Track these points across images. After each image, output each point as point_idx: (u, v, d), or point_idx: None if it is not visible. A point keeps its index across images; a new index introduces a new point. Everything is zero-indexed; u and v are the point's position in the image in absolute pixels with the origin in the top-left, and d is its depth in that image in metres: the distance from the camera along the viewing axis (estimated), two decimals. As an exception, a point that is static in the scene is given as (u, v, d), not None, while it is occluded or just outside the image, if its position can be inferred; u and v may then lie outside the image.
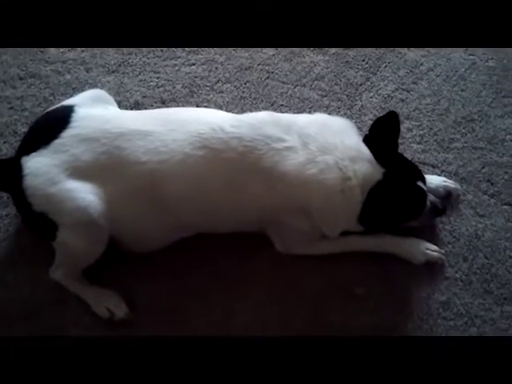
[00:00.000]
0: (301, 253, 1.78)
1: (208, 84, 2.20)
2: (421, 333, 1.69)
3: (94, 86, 2.13)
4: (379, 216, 1.69)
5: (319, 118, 1.79)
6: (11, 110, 2.07)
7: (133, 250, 1.71)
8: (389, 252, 1.78)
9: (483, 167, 2.00)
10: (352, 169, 1.63)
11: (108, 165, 1.60)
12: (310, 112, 2.09)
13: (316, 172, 1.62)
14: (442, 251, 1.79)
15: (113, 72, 2.20)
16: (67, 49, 2.24)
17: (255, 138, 1.64)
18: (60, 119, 1.68)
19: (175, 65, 2.24)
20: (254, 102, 2.16)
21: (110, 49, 2.26)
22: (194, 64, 2.25)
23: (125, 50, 2.26)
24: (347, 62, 2.28)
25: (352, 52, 2.31)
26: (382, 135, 1.70)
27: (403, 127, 1.99)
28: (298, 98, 2.17)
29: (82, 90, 1.98)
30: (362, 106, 2.15)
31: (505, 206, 1.91)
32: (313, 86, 2.21)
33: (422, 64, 2.28)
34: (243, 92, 2.18)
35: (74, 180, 1.58)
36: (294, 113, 2.08)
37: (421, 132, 2.08)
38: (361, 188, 1.64)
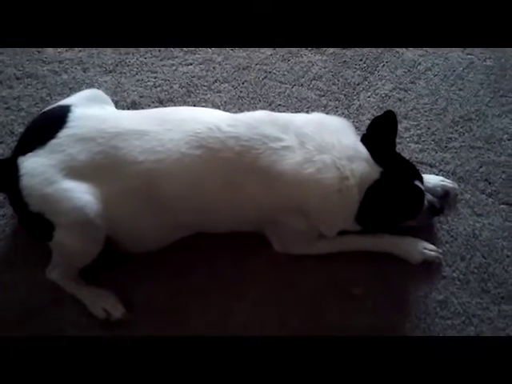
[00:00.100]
0: (298, 252, 1.78)
1: (205, 84, 2.19)
2: (418, 332, 1.69)
3: (91, 85, 2.13)
4: (377, 215, 1.69)
5: (316, 117, 1.79)
6: (8, 110, 2.07)
7: (130, 250, 1.70)
8: (386, 251, 1.78)
9: (481, 166, 2.00)
10: (349, 168, 1.63)
11: (104, 164, 1.60)
12: (307, 112, 2.08)
13: (313, 171, 1.61)
14: (440, 250, 1.79)
15: (110, 72, 2.20)
16: (64, 49, 2.24)
17: (252, 138, 1.63)
18: (56, 119, 1.68)
19: (172, 64, 2.24)
20: (252, 101, 2.16)
21: (107, 49, 2.26)
22: (191, 64, 2.25)
23: (122, 49, 2.26)
24: (345, 61, 2.28)
25: (350, 52, 2.31)
26: (379, 134, 1.70)
27: (401, 127, 1.99)
28: (296, 97, 2.17)
29: (79, 90, 1.97)
30: (359, 105, 2.15)
31: (502, 206, 1.91)
32: (311, 86, 2.21)
33: (419, 63, 2.28)
34: (241, 92, 2.18)
35: (70, 180, 1.57)
36: (292, 112, 2.07)
37: (418, 131, 2.08)
38: (358, 187, 1.63)
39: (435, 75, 2.25)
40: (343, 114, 2.11)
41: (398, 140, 1.77)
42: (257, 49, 2.30)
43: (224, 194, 1.64)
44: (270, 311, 1.71)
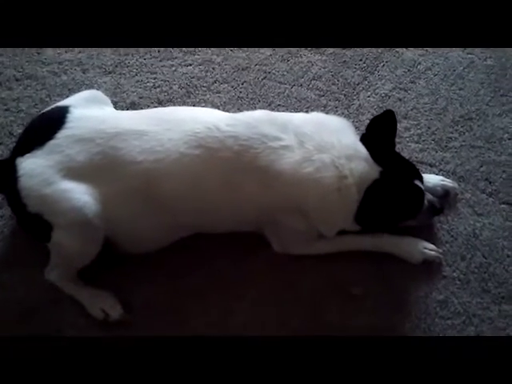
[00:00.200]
0: (298, 253, 1.77)
1: (205, 84, 2.19)
2: (419, 332, 1.68)
3: (90, 87, 2.13)
4: (376, 215, 1.68)
5: (315, 116, 1.79)
6: (7, 111, 2.07)
7: (129, 251, 1.70)
8: (386, 251, 1.77)
9: (481, 166, 1.99)
10: (348, 167, 1.62)
11: (103, 165, 1.60)
12: (307, 112, 2.07)
13: (312, 170, 1.61)
14: (440, 250, 1.78)
15: (109, 73, 2.20)
16: (64, 50, 2.25)
17: (251, 137, 1.63)
18: (55, 120, 1.68)
19: (172, 65, 2.24)
20: (252, 102, 2.15)
21: (107, 50, 2.26)
22: (190, 64, 2.25)
23: (121, 50, 2.26)
24: (344, 61, 2.28)
25: (349, 52, 2.31)
26: (379, 134, 1.70)
27: (401, 126, 1.99)
28: (296, 97, 2.17)
29: (79, 91, 1.97)
30: (359, 105, 2.15)
31: (503, 205, 1.91)
32: (310, 86, 2.20)
33: (419, 63, 2.28)
34: (240, 92, 2.18)
35: (68, 180, 1.57)
36: (292, 113, 2.07)
37: (418, 131, 2.08)
38: (357, 187, 1.63)
39: (435, 75, 2.24)
40: (343, 113, 2.10)
41: (397, 139, 1.77)
42: (256, 49, 2.30)
43: (223, 194, 1.63)
44: (269, 311, 1.70)
